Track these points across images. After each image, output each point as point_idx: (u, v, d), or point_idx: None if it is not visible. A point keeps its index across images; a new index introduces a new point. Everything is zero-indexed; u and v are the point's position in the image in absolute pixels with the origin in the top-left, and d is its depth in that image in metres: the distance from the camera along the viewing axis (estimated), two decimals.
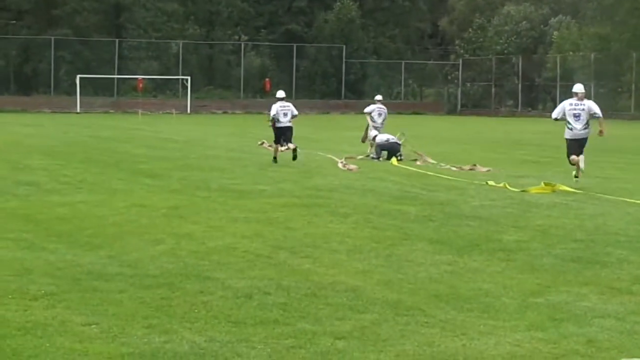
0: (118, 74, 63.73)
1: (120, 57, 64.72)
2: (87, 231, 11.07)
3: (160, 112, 58.71)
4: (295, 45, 69.15)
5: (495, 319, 7.17)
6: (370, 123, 25.00)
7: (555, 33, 67.26)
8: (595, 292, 8.16)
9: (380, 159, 23.05)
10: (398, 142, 23.54)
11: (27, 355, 6.08)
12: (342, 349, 6.32)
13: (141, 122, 44.46)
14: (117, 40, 64.56)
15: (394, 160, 22.29)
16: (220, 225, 11.68)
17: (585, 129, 17.14)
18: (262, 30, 72.69)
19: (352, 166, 20.54)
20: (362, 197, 14.85)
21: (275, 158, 21.33)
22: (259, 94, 67.10)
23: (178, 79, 64.59)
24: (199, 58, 70.03)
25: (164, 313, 7.19)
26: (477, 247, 10.36)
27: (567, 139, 17.42)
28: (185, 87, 62.16)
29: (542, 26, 71.26)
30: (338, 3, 70.58)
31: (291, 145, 21.32)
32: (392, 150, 23.20)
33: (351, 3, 70.73)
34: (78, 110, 57.47)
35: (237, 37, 70.71)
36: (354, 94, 68.71)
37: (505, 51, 69.46)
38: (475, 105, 70.47)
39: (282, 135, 21.59)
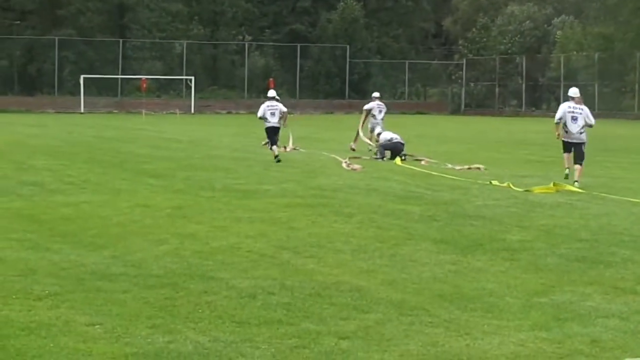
0: (122, 74, 63.77)
1: (124, 57, 64.76)
2: (91, 231, 11.08)
3: (164, 112, 58.75)
4: (299, 45, 69.16)
5: (499, 319, 7.16)
6: (371, 119, 25.72)
7: (559, 33, 67.20)
8: (599, 291, 8.16)
9: (384, 158, 23.06)
10: (402, 141, 23.54)
11: (31, 355, 6.08)
12: (346, 348, 6.32)
13: (145, 122, 44.49)
14: (121, 40, 64.59)
15: (397, 160, 22.31)
16: (224, 225, 11.68)
17: (580, 133, 17.33)
18: (266, 30, 72.74)
19: (356, 166, 20.54)
20: (366, 197, 14.84)
21: (277, 157, 21.33)
22: (262, 94, 66.95)
23: (182, 79, 64.57)
24: (203, 58, 70.06)
25: (167, 313, 7.20)
26: (481, 246, 10.35)
27: (562, 141, 17.73)
28: (189, 87, 62.19)
29: (545, 26, 71.23)
30: (342, 3, 70.54)
31: (275, 149, 21.39)
32: (395, 150, 23.20)
33: (355, 3, 70.66)
34: (82, 110, 57.49)
35: (241, 37, 70.77)
36: (357, 94, 68.59)
37: (509, 51, 69.39)
38: (479, 105, 70.39)
39: (275, 135, 21.66)
